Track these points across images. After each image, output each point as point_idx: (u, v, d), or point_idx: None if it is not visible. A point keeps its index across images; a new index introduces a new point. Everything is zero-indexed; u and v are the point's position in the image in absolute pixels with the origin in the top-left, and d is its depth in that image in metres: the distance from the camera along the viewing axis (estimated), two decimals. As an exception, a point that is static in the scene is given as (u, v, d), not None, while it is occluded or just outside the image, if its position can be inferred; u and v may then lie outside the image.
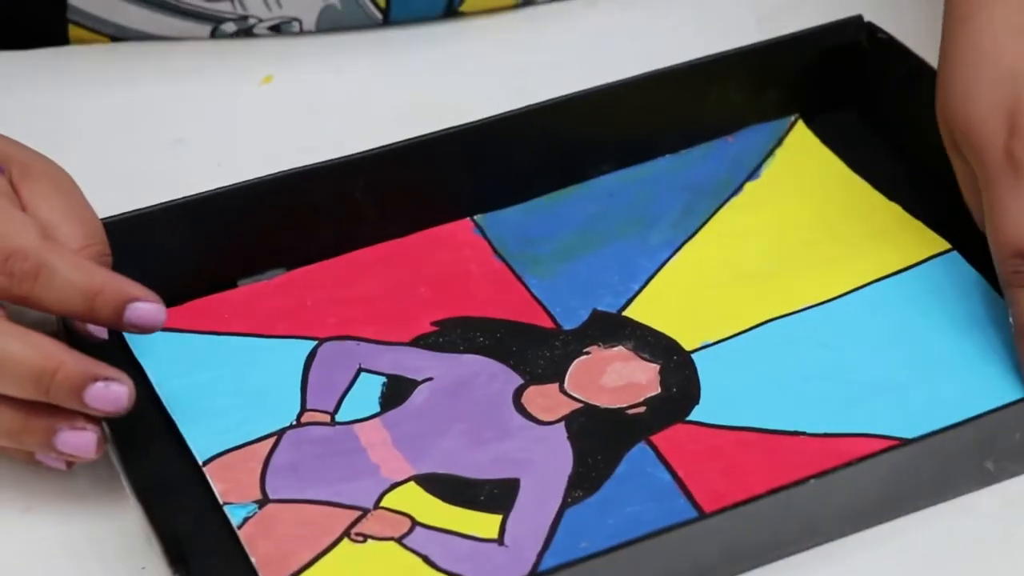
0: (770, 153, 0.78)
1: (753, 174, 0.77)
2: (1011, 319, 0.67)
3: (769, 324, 0.71)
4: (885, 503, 0.64)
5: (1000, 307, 0.70)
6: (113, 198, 0.70)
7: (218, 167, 0.73)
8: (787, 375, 0.69)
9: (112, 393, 0.63)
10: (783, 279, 0.73)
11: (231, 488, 0.65)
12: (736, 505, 0.61)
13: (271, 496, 0.65)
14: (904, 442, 0.64)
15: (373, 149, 0.73)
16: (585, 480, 0.65)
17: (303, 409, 0.68)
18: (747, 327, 0.71)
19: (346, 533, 0.63)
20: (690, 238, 0.75)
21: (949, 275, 0.72)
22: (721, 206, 0.76)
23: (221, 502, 0.64)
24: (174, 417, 0.67)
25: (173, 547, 0.61)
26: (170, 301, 0.70)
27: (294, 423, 0.67)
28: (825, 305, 0.72)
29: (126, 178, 0.76)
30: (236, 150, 0.78)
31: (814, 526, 0.63)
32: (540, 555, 0.63)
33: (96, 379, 0.63)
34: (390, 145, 0.73)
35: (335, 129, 0.79)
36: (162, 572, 0.61)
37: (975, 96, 0.68)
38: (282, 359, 0.70)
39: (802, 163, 0.78)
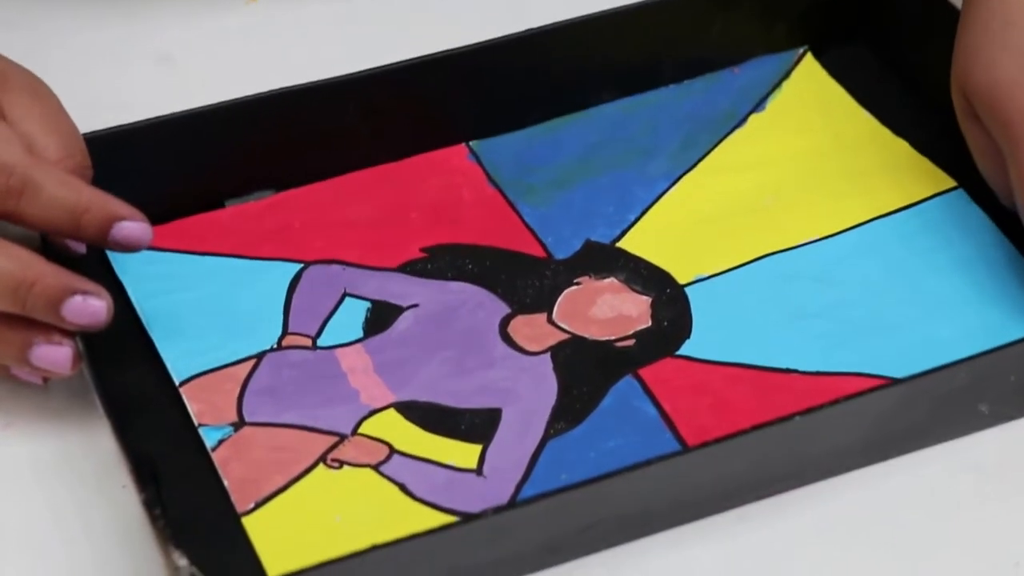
0: (776, 86, 0.76)
1: (758, 106, 0.75)
2: None
3: (766, 259, 0.69)
4: (874, 444, 0.62)
5: (1004, 248, 0.68)
6: (97, 117, 0.68)
7: (204, 86, 0.71)
8: (782, 311, 0.67)
9: (90, 307, 0.62)
10: (782, 213, 0.71)
11: (207, 410, 0.64)
12: (719, 440, 0.60)
13: (247, 419, 0.63)
14: (895, 381, 0.62)
15: (367, 70, 0.71)
16: (568, 412, 0.64)
17: (284, 332, 0.67)
18: (743, 261, 0.69)
19: (322, 459, 0.62)
20: (689, 170, 0.73)
21: (954, 213, 0.70)
22: (723, 138, 0.74)
23: (196, 423, 0.63)
24: (152, 336, 0.66)
25: (143, 468, 0.59)
26: (155, 219, 0.68)
27: (275, 346, 0.66)
28: (824, 241, 0.70)
29: (110, 97, 0.75)
30: (223, 69, 0.76)
31: (800, 465, 0.61)
32: (519, 486, 0.62)
33: (74, 292, 0.61)
34: (384, 66, 0.71)
35: (327, 49, 0.77)
36: (129, 491, 0.60)
37: (1002, 63, 0.66)
38: (266, 281, 0.68)
39: (809, 96, 0.76)
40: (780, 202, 0.71)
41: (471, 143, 0.74)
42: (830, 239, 0.70)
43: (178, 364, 0.65)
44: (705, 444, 0.59)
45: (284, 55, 0.78)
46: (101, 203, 0.63)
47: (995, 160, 0.68)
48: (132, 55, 0.78)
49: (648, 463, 0.59)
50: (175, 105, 0.70)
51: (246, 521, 0.60)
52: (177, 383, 0.64)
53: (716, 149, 0.74)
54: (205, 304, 0.67)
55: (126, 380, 0.64)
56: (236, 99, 0.70)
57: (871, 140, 0.74)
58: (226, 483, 0.61)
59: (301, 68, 0.72)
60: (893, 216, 0.71)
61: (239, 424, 0.63)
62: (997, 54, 0.66)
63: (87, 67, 0.77)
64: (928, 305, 0.67)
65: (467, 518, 0.59)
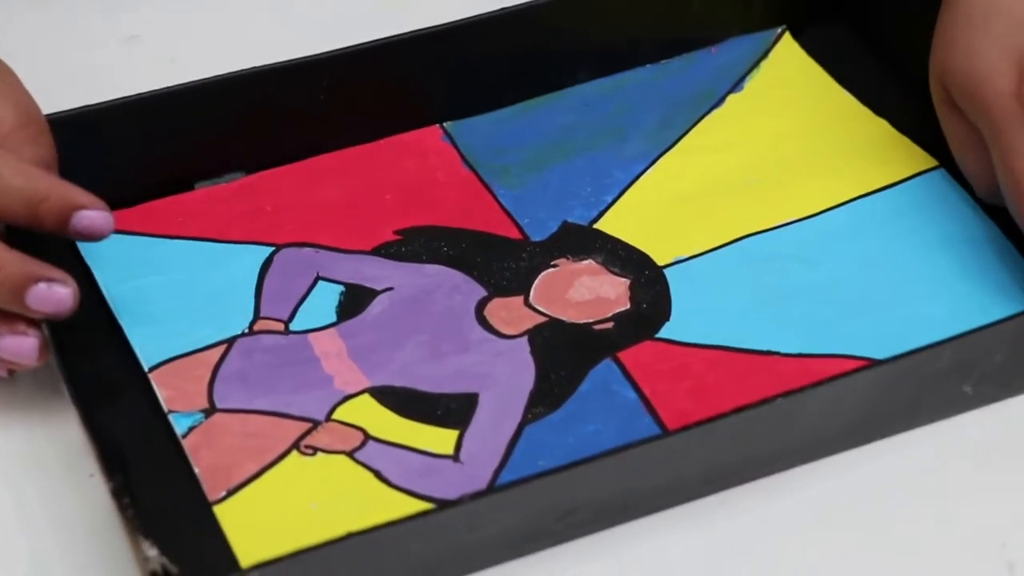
0: (755, 65, 0.75)
1: (736, 86, 0.74)
2: None
3: (746, 240, 0.68)
4: (857, 426, 0.61)
5: (985, 226, 0.68)
6: (63, 97, 0.67)
7: (172, 63, 0.70)
8: (763, 293, 0.66)
9: (55, 295, 0.60)
10: (762, 194, 0.70)
11: (177, 396, 0.62)
12: (699, 423, 0.58)
13: (218, 405, 0.62)
14: (877, 362, 0.61)
15: (339, 49, 0.70)
16: (546, 397, 0.63)
17: (256, 317, 0.65)
18: (723, 243, 0.68)
19: (295, 445, 0.61)
20: (667, 150, 0.72)
21: (935, 192, 0.69)
22: (701, 118, 0.73)
23: (166, 410, 0.62)
24: (121, 322, 0.65)
25: (111, 456, 0.58)
26: (123, 202, 0.68)
27: (246, 331, 0.65)
28: (805, 221, 0.69)
29: (76, 76, 0.73)
30: (191, 47, 0.75)
31: (783, 448, 0.60)
32: (496, 473, 0.60)
33: (38, 280, 0.60)
34: (357, 46, 0.70)
35: (298, 28, 0.76)
36: (97, 481, 0.59)
37: (982, 49, 0.66)
38: (237, 265, 0.67)
39: (788, 76, 0.75)
40: (760, 182, 0.70)
41: (445, 124, 0.72)
42: (810, 219, 0.69)
43: (147, 350, 0.64)
44: (686, 427, 0.58)
45: (254, 34, 0.77)
46: (60, 192, 0.61)
47: (973, 149, 0.67)
48: (98, 34, 0.77)
49: (628, 447, 0.58)
50: (142, 85, 0.68)
51: (217, 510, 0.59)
52: (146, 369, 0.63)
53: (694, 129, 0.73)
54: (175, 289, 0.66)
55: (94, 366, 0.63)
56: (205, 79, 0.69)
57: (851, 120, 0.73)
58: (197, 471, 0.60)
59: (272, 47, 0.71)
60: (874, 196, 0.69)
61: (210, 410, 0.62)
62: (978, 42, 0.66)
63: (51, 47, 0.76)
64: (910, 285, 0.66)
65: (443, 505, 0.58)
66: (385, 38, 0.70)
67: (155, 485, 0.59)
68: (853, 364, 0.63)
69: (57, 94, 0.67)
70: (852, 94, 0.74)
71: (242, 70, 0.69)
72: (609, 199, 0.70)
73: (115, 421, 0.61)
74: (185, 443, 0.61)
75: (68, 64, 0.75)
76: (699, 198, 0.70)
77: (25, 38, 0.74)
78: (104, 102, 0.68)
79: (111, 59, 0.76)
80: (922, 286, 0.66)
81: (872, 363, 0.62)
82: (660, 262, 0.67)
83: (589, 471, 0.57)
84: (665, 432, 0.61)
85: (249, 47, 0.72)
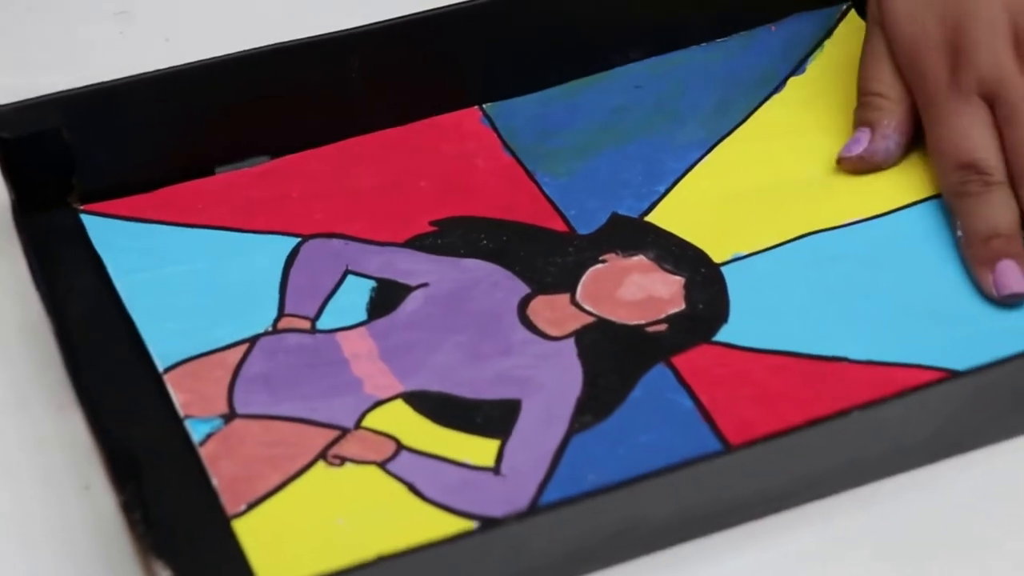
0: (818, 45, 0.71)
1: (798, 68, 0.70)
2: (958, 231, 0.62)
3: (810, 237, 0.63)
4: (937, 441, 0.56)
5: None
6: (50, 76, 0.63)
7: (192, 41, 0.65)
8: (828, 295, 0.61)
9: None
10: (828, 188, 0.65)
11: (194, 400, 0.58)
12: (769, 437, 0.54)
13: (239, 411, 0.58)
14: (957, 374, 0.56)
15: (371, 24, 0.66)
16: (595, 404, 0.58)
17: (280, 314, 0.61)
18: (784, 240, 0.63)
19: (322, 455, 0.56)
20: (724, 137, 0.67)
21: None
22: (761, 103, 0.69)
23: (182, 415, 0.57)
24: (133, 316, 0.60)
25: (120, 464, 0.54)
26: (138, 188, 0.64)
27: (270, 329, 0.60)
28: (874, 220, 0.64)
29: (65, 54, 0.69)
30: (213, 22, 0.70)
31: (855, 464, 0.55)
32: (541, 487, 0.56)
33: None
34: (390, 20, 0.66)
35: (325, 1, 0.71)
36: (108, 492, 0.54)
37: (927, 23, 0.65)
38: (260, 257, 0.63)
39: (854, 57, 0.69)
40: (825, 175, 0.65)
41: (485, 106, 0.68)
42: (879, 219, 0.64)
43: (162, 348, 0.59)
44: (754, 442, 0.54)
45: (280, 6, 0.72)
46: None
47: (878, 57, 0.66)
48: (86, 8, 0.72)
49: (690, 463, 0.53)
50: (159, 61, 0.64)
51: (237, 525, 0.55)
52: (161, 370, 0.59)
53: (753, 115, 0.68)
54: (192, 281, 0.62)
55: (103, 366, 0.59)
56: (227, 55, 0.65)
57: (923, 106, 0.68)
58: (215, 482, 0.55)
59: (299, 21, 0.67)
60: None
61: (230, 416, 0.57)
62: (922, 11, 0.65)
63: (37, 22, 0.71)
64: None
65: (486, 525, 0.53)
66: (420, 12, 0.66)
67: (169, 498, 0.55)
68: (929, 374, 0.58)
69: (45, 72, 0.63)
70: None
71: (267, 46, 0.65)
72: (662, 189, 0.65)
73: (126, 427, 0.56)
74: (202, 451, 0.56)
75: (55, 41, 0.71)
76: (758, 191, 0.65)
77: (13, 14, 0.69)
78: (117, 79, 0.64)
79: (100, 36, 0.71)
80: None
81: (952, 374, 0.57)
82: (717, 259, 0.63)
83: (646, 489, 0.52)
84: (731, 447, 0.56)
85: (273, 20, 0.68)
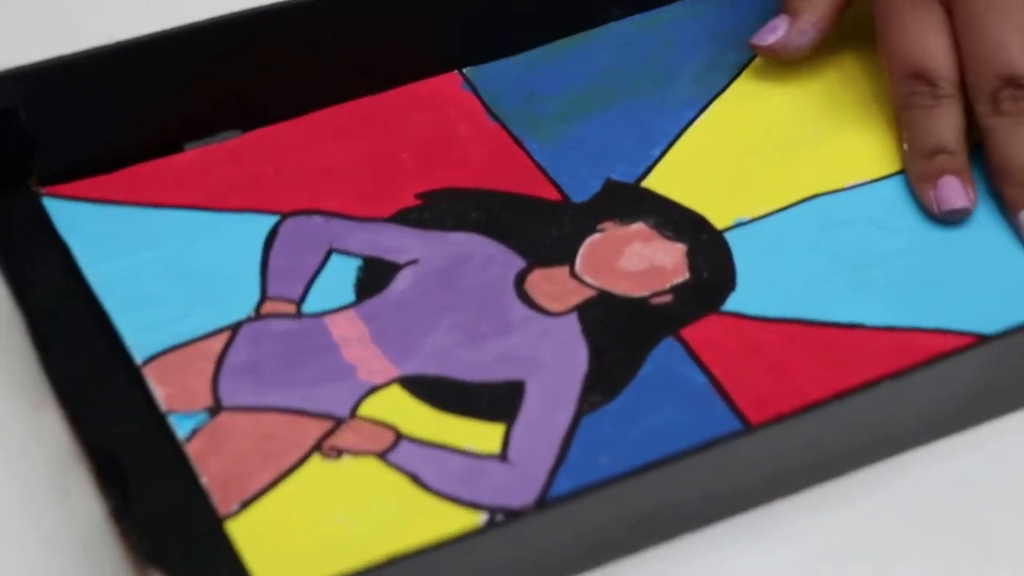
0: (811, -4, 0.67)
1: (791, 21, 0.66)
2: (904, 144, 0.61)
3: (814, 200, 0.60)
4: (968, 409, 0.53)
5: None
6: (22, 48, 0.59)
7: (147, 8, 0.61)
8: (839, 259, 0.58)
9: None
10: (833, 147, 0.62)
11: (176, 394, 0.54)
12: (792, 414, 0.50)
13: (225, 403, 0.54)
14: (985, 339, 0.53)
15: (343, -13, 0.62)
16: (603, 382, 0.55)
17: (263, 298, 0.57)
18: (789, 203, 0.60)
19: (317, 447, 0.53)
20: (718, 95, 0.64)
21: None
22: (754, 58, 0.65)
23: (164, 410, 0.54)
24: (106, 307, 0.56)
25: (105, 465, 0.50)
26: (102, 167, 0.60)
27: (252, 315, 0.57)
28: (882, 182, 0.61)
29: (36, 24, 0.65)
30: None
31: (884, 437, 0.52)
32: (552, 473, 0.52)
33: None
34: (365, -17, 0.62)
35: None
36: (89, 498, 0.50)
37: None
38: (237, 237, 0.59)
39: (853, 6, 0.66)
40: (829, 134, 0.62)
41: (465, 70, 0.65)
42: (887, 180, 0.61)
43: (139, 340, 0.55)
44: (776, 420, 0.50)
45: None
46: None
47: None
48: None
49: (711, 445, 0.50)
50: (120, 31, 0.60)
51: (231, 525, 0.51)
52: (139, 363, 0.55)
53: (746, 71, 0.65)
54: (167, 267, 0.58)
55: (77, 361, 0.55)
56: (193, 23, 0.61)
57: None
58: (204, 481, 0.52)
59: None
60: (962, 149, 0.62)
61: (216, 409, 0.54)
62: None
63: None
64: (1005, 252, 0.59)
65: (503, 517, 0.50)
66: (396, -26, 0.63)
67: (156, 500, 0.51)
68: (955, 339, 0.55)
69: (14, 42, 0.58)
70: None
71: (232, 13, 0.61)
72: (656, 153, 0.62)
73: (106, 426, 0.52)
74: (189, 448, 0.53)
75: (25, 10, 0.66)
76: (757, 152, 0.62)
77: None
78: (75, 53, 0.59)
79: (75, 4, 0.67)
80: (1017, 251, 0.58)
81: (980, 338, 0.54)
82: (719, 225, 0.60)
83: (666, 475, 0.49)
84: (751, 425, 0.53)
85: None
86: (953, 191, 0.59)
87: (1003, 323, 0.55)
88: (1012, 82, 0.59)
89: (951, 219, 0.59)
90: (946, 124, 0.60)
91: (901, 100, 0.61)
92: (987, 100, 0.59)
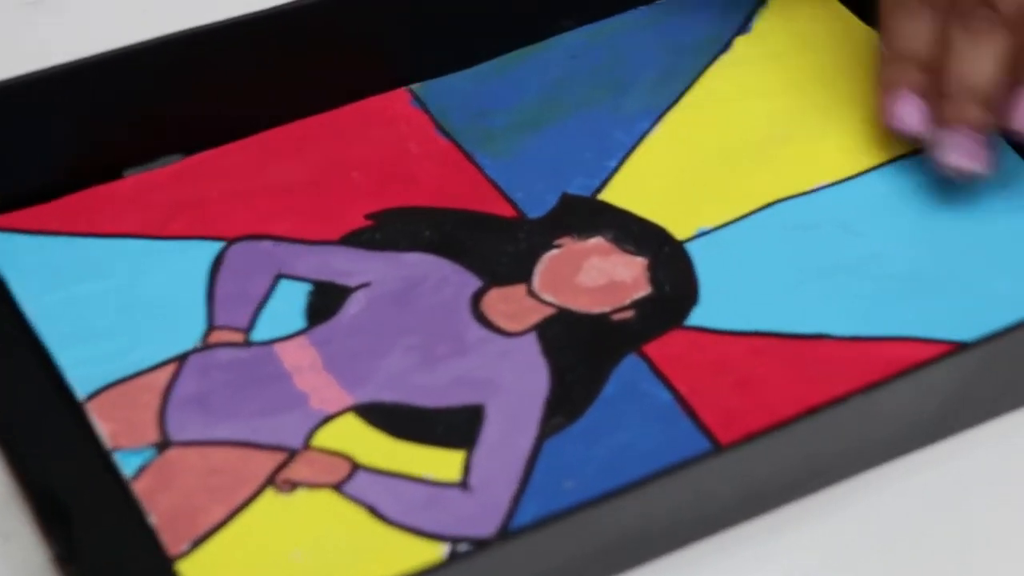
0: (762, 1, 0.66)
1: (743, 27, 0.65)
2: (883, 47, 0.60)
3: (776, 206, 0.59)
4: (945, 419, 0.52)
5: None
6: None
7: (89, 31, 0.59)
8: (804, 267, 0.57)
9: None
10: (790, 152, 0.61)
11: (121, 429, 0.52)
12: (762, 432, 0.49)
13: (173, 438, 0.52)
14: (963, 346, 0.52)
15: (285, 4, 0.60)
16: (565, 403, 0.53)
17: (210, 327, 0.55)
18: (750, 210, 0.59)
19: (270, 481, 0.51)
20: (673, 104, 0.62)
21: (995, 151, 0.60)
22: (707, 66, 0.64)
23: (109, 448, 0.52)
24: (45, 342, 0.54)
25: (48, 507, 0.48)
26: (39, 196, 0.58)
27: (199, 345, 0.55)
28: (844, 184, 0.59)
29: None
30: (112, 10, 0.64)
31: (858, 451, 0.51)
32: (515, 500, 0.51)
33: None
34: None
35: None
36: (31, 542, 0.48)
37: None
38: (181, 266, 0.57)
39: (801, 12, 0.65)
40: (786, 139, 0.61)
41: (413, 86, 0.63)
42: (848, 182, 0.59)
43: (81, 374, 0.53)
44: (750, 437, 0.49)
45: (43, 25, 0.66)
46: None
47: None
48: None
49: (681, 466, 0.48)
50: (54, 56, 0.58)
51: (182, 566, 0.49)
52: (81, 398, 0.53)
53: (701, 78, 0.63)
54: (108, 298, 0.56)
55: (16, 399, 0.53)
56: (128, 45, 0.59)
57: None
58: (153, 520, 0.50)
59: (206, 4, 0.60)
60: (922, 155, 0.60)
61: (163, 445, 0.52)
62: None
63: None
64: (978, 256, 0.57)
65: (460, 549, 0.48)
66: (339, -11, 0.61)
67: (103, 542, 0.49)
68: (925, 347, 0.54)
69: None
70: (877, 29, 0.64)
71: (171, 33, 0.59)
72: (612, 164, 0.60)
73: (47, 465, 0.50)
74: (136, 487, 0.50)
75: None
76: (715, 160, 0.60)
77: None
78: (6, 79, 0.57)
79: (8, 28, 0.65)
80: (991, 256, 0.57)
81: (955, 346, 0.52)
82: (679, 236, 0.58)
83: (637, 498, 0.47)
84: (720, 445, 0.51)
85: (178, 4, 0.62)
86: (910, 111, 0.58)
87: (977, 331, 0.54)
88: (989, 4, 0.57)
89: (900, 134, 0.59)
90: (925, 30, 0.59)
91: (887, 9, 0.60)
92: (960, 14, 0.58)
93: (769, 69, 0.64)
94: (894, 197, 0.59)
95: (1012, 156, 0.60)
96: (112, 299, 0.56)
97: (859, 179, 0.60)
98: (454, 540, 0.50)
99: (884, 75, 0.60)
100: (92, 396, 0.53)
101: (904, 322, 0.55)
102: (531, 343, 0.55)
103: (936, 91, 0.59)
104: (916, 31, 0.59)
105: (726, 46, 0.64)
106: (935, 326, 0.55)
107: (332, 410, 0.53)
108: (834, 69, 0.63)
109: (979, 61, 0.58)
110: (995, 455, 0.52)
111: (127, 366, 0.54)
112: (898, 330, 0.55)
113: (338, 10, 0.61)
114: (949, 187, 0.59)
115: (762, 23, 0.65)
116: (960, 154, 0.58)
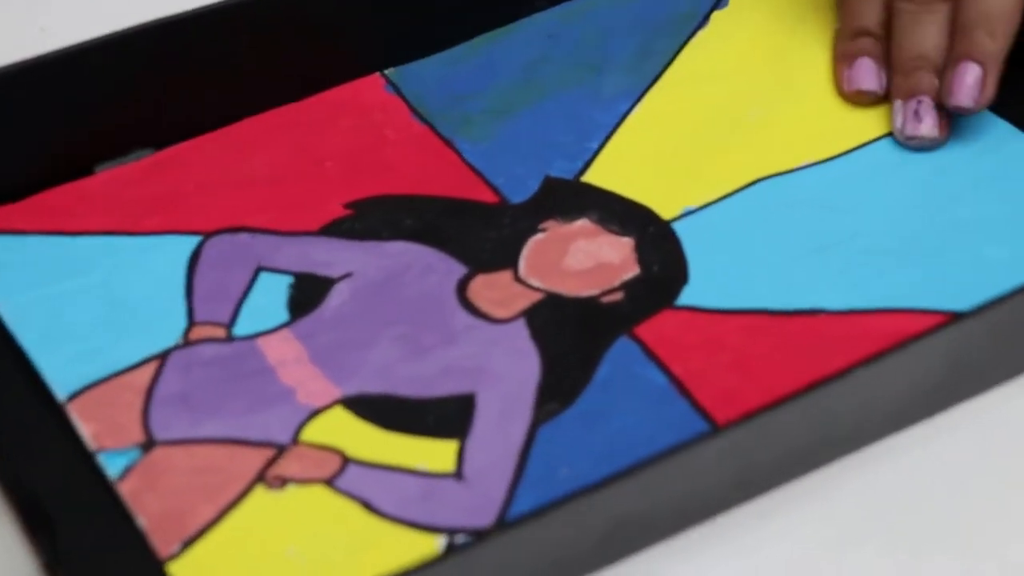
0: (737, -26, 0.65)
1: (719, 2, 0.64)
2: (839, 26, 0.62)
3: (762, 183, 0.58)
4: (944, 389, 0.51)
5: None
6: None
7: (41, 32, 0.58)
8: (793, 244, 0.56)
9: None
10: (771, 131, 0.60)
11: (105, 430, 0.51)
12: (760, 411, 0.48)
13: (158, 437, 0.50)
14: (960, 315, 0.51)
15: (253, -9, 0.59)
16: (558, 389, 0.52)
17: (191, 323, 0.54)
18: (735, 188, 0.58)
19: (259, 478, 0.50)
20: (652, 84, 0.61)
21: (970, 122, 0.59)
22: (685, 43, 0.63)
23: (93, 448, 0.50)
24: (22, 343, 0.53)
25: (32, 513, 0.47)
26: (9, 195, 0.57)
27: (180, 342, 0.53)
28: (828, 163, 0.59)
29: None
30: (62, 8, 0.62)
31: (860, 426, 0.50)
32: (511, 489, 0.49)
33: None
34: (275, -15, 0.59)
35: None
36: (17, 544, 0.47)
37: None
38: (158, 261, 0.56)
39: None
40: (769, 116, 0.60)
41: (387, 71, 0.62)
42: (833, 161, 0.58)
43: (61, 375, 0.52)
44: (747, 417, 0.48)
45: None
46: None
47: None
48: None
49: (679, 449, 0.47)
50: (21, 50, 0.57)
51: (173, 568, 0.48)
52: (62, 399, 0.51)
53: (679, 57, 0.62)
54: (86, 297, 0.54)
55: (-4, 401, 0.51)
56: (94, 39, 0.57)
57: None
58: (141, 521, 0.48)
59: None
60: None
61: (148, 444, 0.50)
62: None
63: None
64: (964, 225, 0.56)
65: (457, 541, 0.47)
66: (308, -26, 0.59)
67: (91, 547, 0.48)
68: (916, 317, 0.53)
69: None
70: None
71: (139, 24, 0.58)
72: (594, 146, 0.59)
73: (30, 470, 0.49)
74: (122, 488, 0.49)
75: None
76: (698, 138, 0.59)
77: None
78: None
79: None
80: (975, 226, 0.56)
81: (953, 316, 0.52)
82: (665, 215, 0.57)
83: (635, 483, 0.46)
84: (718, 425, 0.50)
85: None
86: (867, 73, 0.59)
87: (970, 299, 0.53)
88: None
89: (860, 101, 0.59)
90: (876, 9, 0.60)
91: None
92: None
93: (748, 44, 0.63)
94: (879, 174, 0.58)
95: (997, 122, 0.59)
96: (89, 298, 0.54)
97: (843, 157, 0.59)
98: (450, 532, 0.48)
99: (839, 49, 0.61)
100: (73, 396, 0.51)
101: (897, 294, 0.54)
102: (520, 329, 0.54)
103: (889, 65, 0.59)
104: (868, 9, 0.60)
105: (703, 21, 0.63)
106: (928, 296, 0.54)
107: (320, 404, 0.52)
108: (811, 42, 0.62)
109: (924, 30, 0.58)
110: (995, 424, 0.51)
111: (107, 365, 0.52)
112: (891, 302, 0.54)
113: (308, -3, 0.60)
114: (932, 160, 0.58)
115: (739, -4, 0.65)
116: (922, 123, 0.58)
